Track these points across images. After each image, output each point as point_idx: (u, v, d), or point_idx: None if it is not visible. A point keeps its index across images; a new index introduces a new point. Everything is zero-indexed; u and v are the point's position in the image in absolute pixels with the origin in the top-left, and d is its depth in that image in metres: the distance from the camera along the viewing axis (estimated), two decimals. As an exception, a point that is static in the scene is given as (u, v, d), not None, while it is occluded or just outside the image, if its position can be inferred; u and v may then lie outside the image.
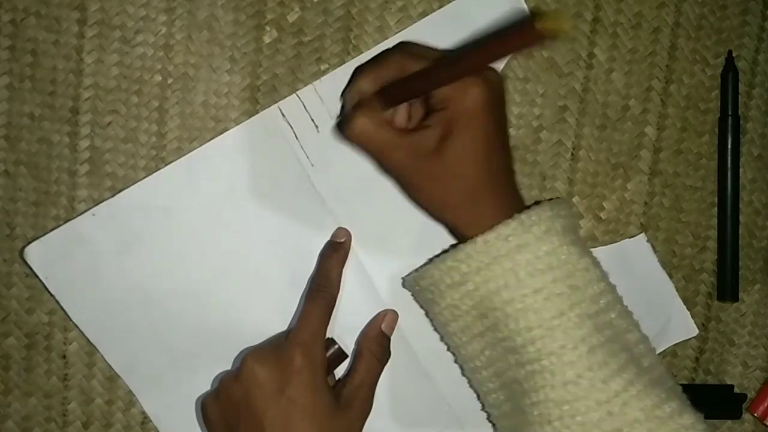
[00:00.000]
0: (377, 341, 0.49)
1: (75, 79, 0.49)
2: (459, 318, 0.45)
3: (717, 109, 0.53)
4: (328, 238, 0.50)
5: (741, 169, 0.53)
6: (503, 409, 0.46)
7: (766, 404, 0.53)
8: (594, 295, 0.43)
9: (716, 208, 0.53)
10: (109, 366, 0.50)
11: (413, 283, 0.47)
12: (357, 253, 0.51)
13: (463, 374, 0.49)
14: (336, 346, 0.48)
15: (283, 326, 0.50)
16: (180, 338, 0.50)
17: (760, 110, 0.53)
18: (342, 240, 0.50)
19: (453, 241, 0.51)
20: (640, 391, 0.41)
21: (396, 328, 0.51)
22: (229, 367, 0.50)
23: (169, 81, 0.50)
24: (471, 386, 0.48)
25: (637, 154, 0.52)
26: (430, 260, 0.49)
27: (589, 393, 0.41)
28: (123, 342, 0.50)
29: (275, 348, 0.46)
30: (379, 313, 0.50)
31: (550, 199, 0.48)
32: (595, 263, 0.44)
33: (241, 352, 0.50)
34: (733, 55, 0.52)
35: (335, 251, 0.49)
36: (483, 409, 0.48)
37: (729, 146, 0.52)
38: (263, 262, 0.50)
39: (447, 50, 0.48)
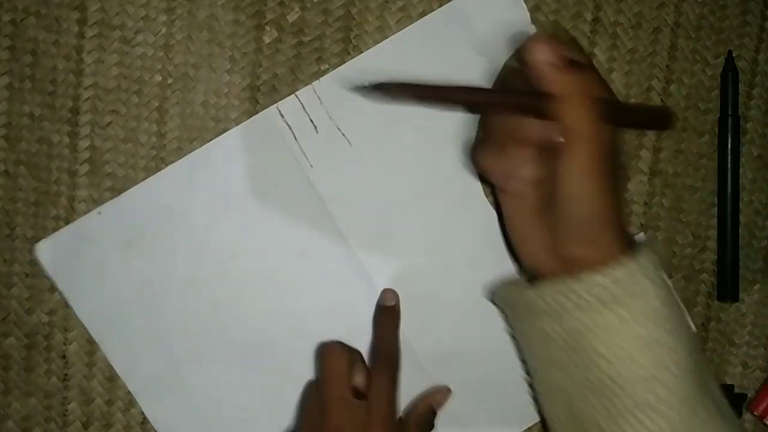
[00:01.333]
0: (426, 417, 0.50)
1: (75, 79, 0.49)
2: (546, 345, 0.43)
3: (717, 109, 0.53)
4: (327, 239, 0.50)
5: (741, 169, 0.53)
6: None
7: (765, 403, 0.53)
8: (690, 340, 0.41)
9: (716, 208, 0.53)
10: (109, 366, 0.50)
11: (502, 300, 0.46)
12: (357, 254, 0.51)
13: (533, 395, 0.48)
14: None
15: (283, 327, 0.50)
16: (180, 338, 0.50)
17: (760, 110, 0.53)
18: (392, 303, 0.50)
19: (455, 244, 0.51)
20: None
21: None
22: (227, 370, 0.50)
23: (169, 81, 0.50)
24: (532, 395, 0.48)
25: (637, 154, 0.52)
26: (522, 276, 0.48)
27: None
28: (125, 341, 0.50)
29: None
30: (431, 389, 0.51)
31: (645, 237, 0.47)
32: (683, 308, 0.42)
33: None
34: (733, 55, 0.52)
35: (389, 316, 0.50)
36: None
37: (729, 146, 0.52)
38: (263, 263, 0.50)
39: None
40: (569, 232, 0.41)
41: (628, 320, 0.39)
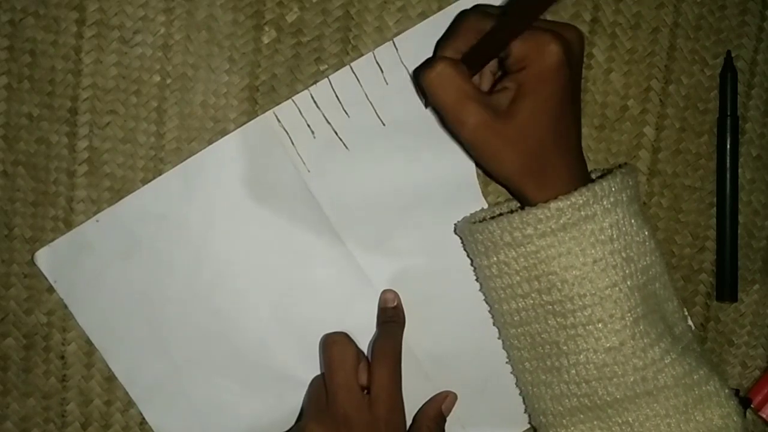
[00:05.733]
0: (435, 421, 0.50)
1: (74, 79, 0.49)
2: (506, 275, 0.46)
3: (716, 110, 0.53)
4: (325, 243, 0.50)
5: (740, 170, 0.53)
6: (525, 365, 0.48)
7: (761, 395, 0.53)
8: (645, 267, 0.45)
9: (715, 209, 0.53)
10: (108, 367, 0.50)
11: (468, 232, 0.48)
12: (355, 258, 0.50)
13: (494, 324, 0.50)
14: None
15: (281, 332, 0.50)
16: (180, 345, 0.50)
17: (759, 110, 0.53)
18: (394, 304, 0.50)
19: (453, 246, 0.51)
20: (673, 360, 0.45)
21: (395, 328, 0.51)
22: (227, 376, 0.50)
23: (168, 81, 0.50)
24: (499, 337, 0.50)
25: (636, 155, 0.52)
26: (487, 209, 0.50)
27: (629, 359, 0.44)
28: (126, 348, 0.50)
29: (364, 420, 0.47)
30: (440, 393, 0.51)
31: (620, 166, 0.49)
32: (652, 234, 0.46)
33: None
34: (732, 55, 0.52)
35: (392, 317, 0.50)
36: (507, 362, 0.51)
37: (728, 146, 0.52)
38: (261, 269, 0.50)
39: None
40: (525, 164, 0.44)
41: (583, 243, 0.43)
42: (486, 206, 0.51)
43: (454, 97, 0.43)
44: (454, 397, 0.51)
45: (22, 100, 0.49)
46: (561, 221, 0.43)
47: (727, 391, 0.46)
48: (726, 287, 0.53)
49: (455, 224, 0.50)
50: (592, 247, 0.43)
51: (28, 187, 0.50)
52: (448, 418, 0.51)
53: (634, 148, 0.52)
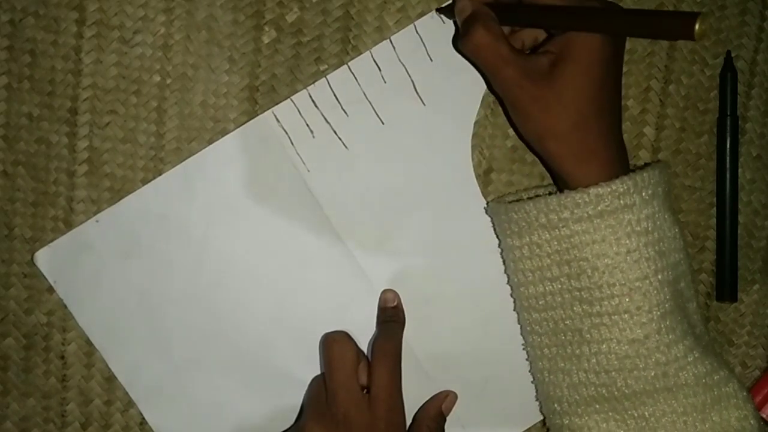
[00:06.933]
0: (436, 420, 0.50)
1: (74, 79, 0.49)
2: (537, 257, 0.46)
3: (716, 110, 0.53)
4: (325, 243, 0.50)
5: (740, 170, 0.53)
6: (543, 352, 0.48)
7: (761, 395, 0.53)
8: (675, 263, 0.45)
9: (715, 209, 0.53)
10: (108, 367, 0.50)
11: (503, 211, 0.47)
12: (355, 257, 0.50)
13: (514, 309, 0.50)
14: None
15: (282, 331, 0.50)
16: (180, 345, 0.50)
17: (759, 110, 0.53)
18: (394, 304, 0.50)
19: (453, 246, 0.51)
20: (696, 359, 0.45)
21: (395, 328, 0.51)
22: (228, 376, 0.50)
23: (168, 81, 0.50)
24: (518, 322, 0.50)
25: (636, 155, 0.52)
26: (520, 192, 0.50)
27: (652, 353, 0.44)
28: (126, 348, 0.50)
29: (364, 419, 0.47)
30: (441, 393, 0.51)
31: (655, 162, 0.50)
32: (681, 232, 0.46)
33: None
34: (732, 55, 0.52)
35: (392, 316, 0.50)
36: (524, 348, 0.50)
37: (728, 146, 0.52)
38: (261, 269, 0.50)
39: None
40: (564, 136, 0.44)
41: (618, 232, 0.43)
42: (483, 205, 0.51)
43: (491, 63, 0.43)
44: (454, 396, 0.51)
45: (22, 100, 0.49)
46: (599, 208, 0.43)
47: (745, 393, 0.46)
48: (726, 287, 0.53)
49: (486, 203, 0.50)
50: (627, 237, 0.43)
51: (28, 187, 0.50)
52: (448, 418, 0.51)
53: (634, 148, 0.52)
